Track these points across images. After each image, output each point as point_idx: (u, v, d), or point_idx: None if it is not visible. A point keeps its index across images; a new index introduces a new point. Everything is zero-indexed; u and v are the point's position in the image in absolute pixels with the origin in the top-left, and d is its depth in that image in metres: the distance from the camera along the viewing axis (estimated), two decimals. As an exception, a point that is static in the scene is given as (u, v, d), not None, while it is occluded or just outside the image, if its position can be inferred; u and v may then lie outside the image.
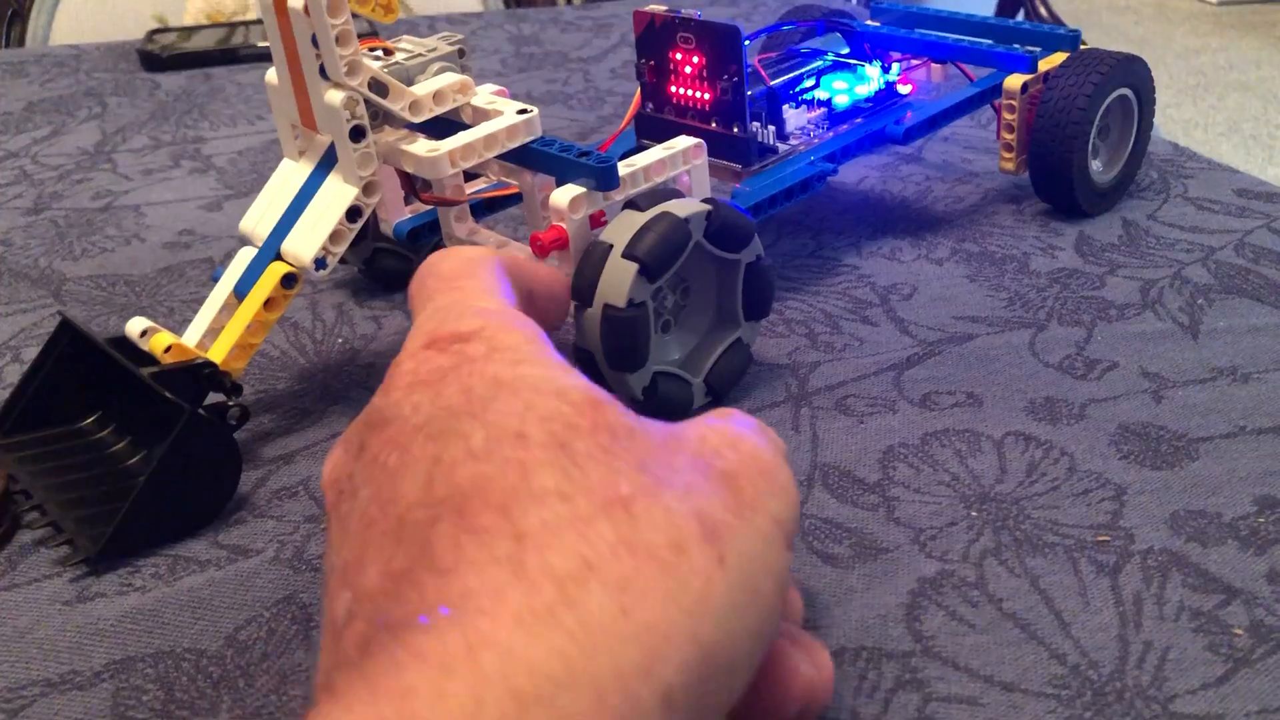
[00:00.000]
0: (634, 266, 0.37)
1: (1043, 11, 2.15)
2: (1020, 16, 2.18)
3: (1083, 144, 0.53)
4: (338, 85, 0.39)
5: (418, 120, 0.41)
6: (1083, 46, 0.56)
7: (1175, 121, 3.11)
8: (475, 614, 0.19)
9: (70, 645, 0.32)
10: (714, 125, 0.48)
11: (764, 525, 0.23)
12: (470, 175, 0.48)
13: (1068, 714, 0.28)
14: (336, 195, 0.40)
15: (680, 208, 0.38)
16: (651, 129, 0.51)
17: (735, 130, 0.48)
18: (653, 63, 0.50)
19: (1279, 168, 2.81)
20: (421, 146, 0.40)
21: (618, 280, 0.38)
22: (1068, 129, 0.52)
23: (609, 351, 0.38)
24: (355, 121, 0.39)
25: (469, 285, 0.29)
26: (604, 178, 0.40)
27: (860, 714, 0.28)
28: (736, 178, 0.49)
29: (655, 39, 0.49)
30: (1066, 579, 0.33)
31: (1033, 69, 0.54)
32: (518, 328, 0.26)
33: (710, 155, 0.48)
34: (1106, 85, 0.53)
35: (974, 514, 0.35)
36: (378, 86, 0.39)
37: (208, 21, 1.05)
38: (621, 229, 0.38)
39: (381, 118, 0.41)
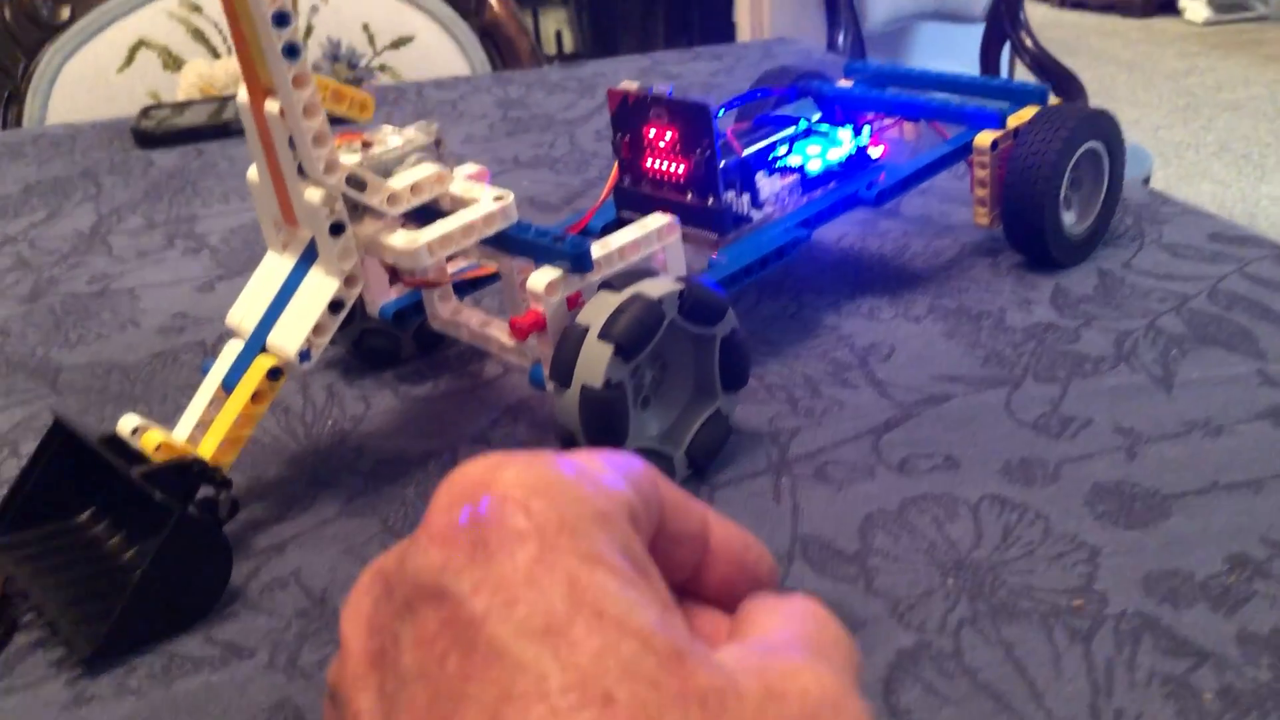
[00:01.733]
0: (610, 348, 0.38)
1: (1028, 43, 2.18)
2: (1006, 49, 2.21)
3: (1054, 198, 0.54)
4: (316, 183, 0.40)
5: (395, 212, 0.42)
6: (1051, 101, 0.57)
7: (1166, 143, 3.13)
8: None
9: (67, 749, 0.33)
10: (689, 197, 0.50)
11: None
12: (450, 256, 0.49)
13: (1041, 787, 0.29)
14: (319, 288, 0.41)
15: (654, 288, 0.39)
16: (630, 201, 0.52)
17: (710, 202, 0.49)
18: (628, 138, 0.51)
19: (1271, 185, 2.83)
20: (400, 238, 0.41)
21: (595, 362, 0.38)
22: (1038, 184, 0.53)
23: (589, 432, 0.39)
24: (334, 218, 0.40)
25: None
26: (578, 261, 0.41)
27: (838, 794, 0.29)
28: (713, 247, 0.50)
29: (630, 115, 0.50)
30: (1040, 647, 0.33)
31: (1002, 125, 0.55)
32: (589, 492, 0.22)
33: (687, 225, 0.49)
34: (1075, 140, 0.54)
35: (950, 582, 0.36)
36: (356, 182, 0.40)
37: (200, 95, 1.07)
38: (597, 311, 0.39)
39: (361, 209, 0.42)
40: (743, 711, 0.19)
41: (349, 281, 0.41)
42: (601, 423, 0.39)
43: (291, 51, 0.37)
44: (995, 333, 0.51)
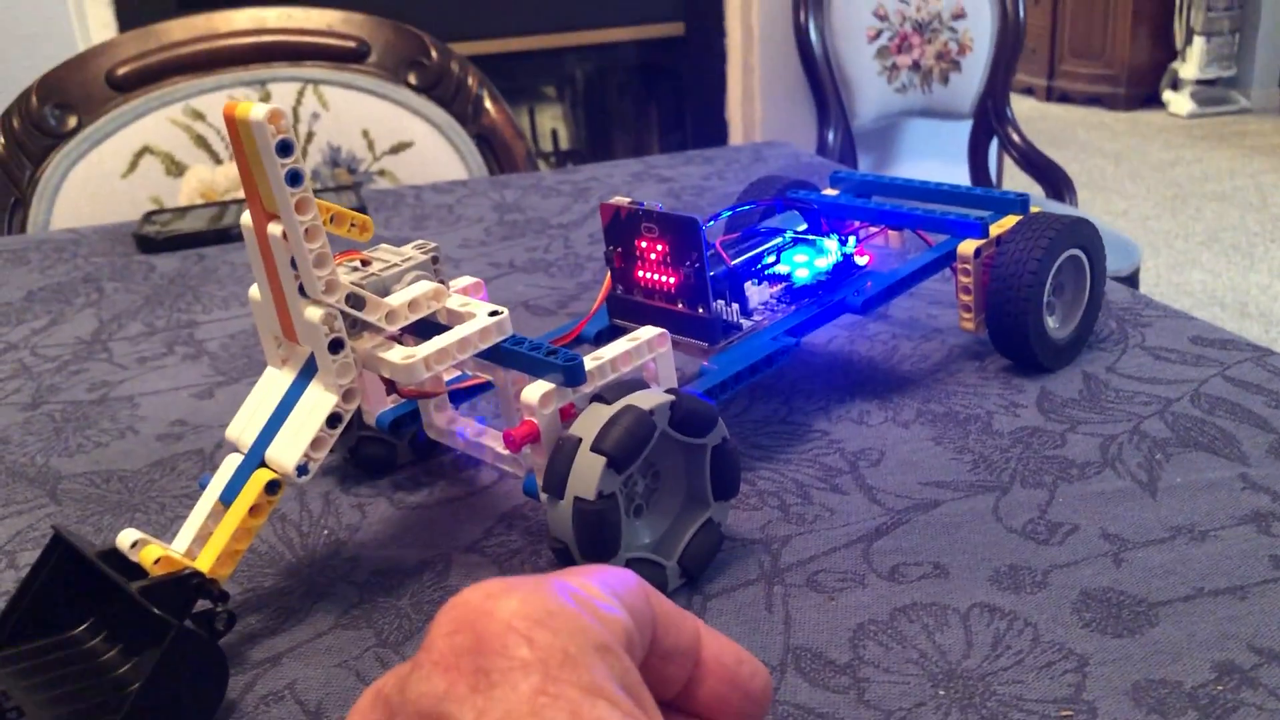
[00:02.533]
0: (602, 460, 0.39)
1: (1015, 138, 2.22)
2: (994, 145, 2.25)
3: (1037, 304, 0.55)
4: (316, 302, 0.41)
5: (393, 329, 0.43)
6: (1033, 209, 0.59)
7: (1156, 233, 3.18)
8: None
9: None
10: (680, 306, 0.51)
11: None
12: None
13: None
14: (317, 403, 0.42)
15: (645, 400, 0.40)
16: (623, 309, 0.53)
17: (700, 311, 0.50)
18: (620, 250, 0.52)
19: (1260, 274, 2.86)
20: (397, 354, 0.42)
21: (587, 474, 0.39)
22: (1021, 291, 0.54)
23: (581, 543, 0.40)
24: (333, 335, 0.41)
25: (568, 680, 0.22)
26: (571, 374, 0.42)
27: None
28: (704, 354, 0.51)
29: (621, 229, 0.52)
30: (1032, 759, 0.33)
31: (984, 234, 0.57)
32: (584, 620, 0.22)
33: (678, 334, 0.50)
34: (1056, 247, 0.55)
35: (941, 693, 0.36)
36: (355, 300, 0.42)
37: (201, 200, 1.09)
38: (589, 423, 0.40)
39: (360, 324, 0.43)
40: None
41: (347, 396, 0.42)
42: (594, 534, 0.40)
43: (294, 179, 0.39)
44: (982, 437, 0.52)
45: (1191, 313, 0.61)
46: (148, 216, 0.98)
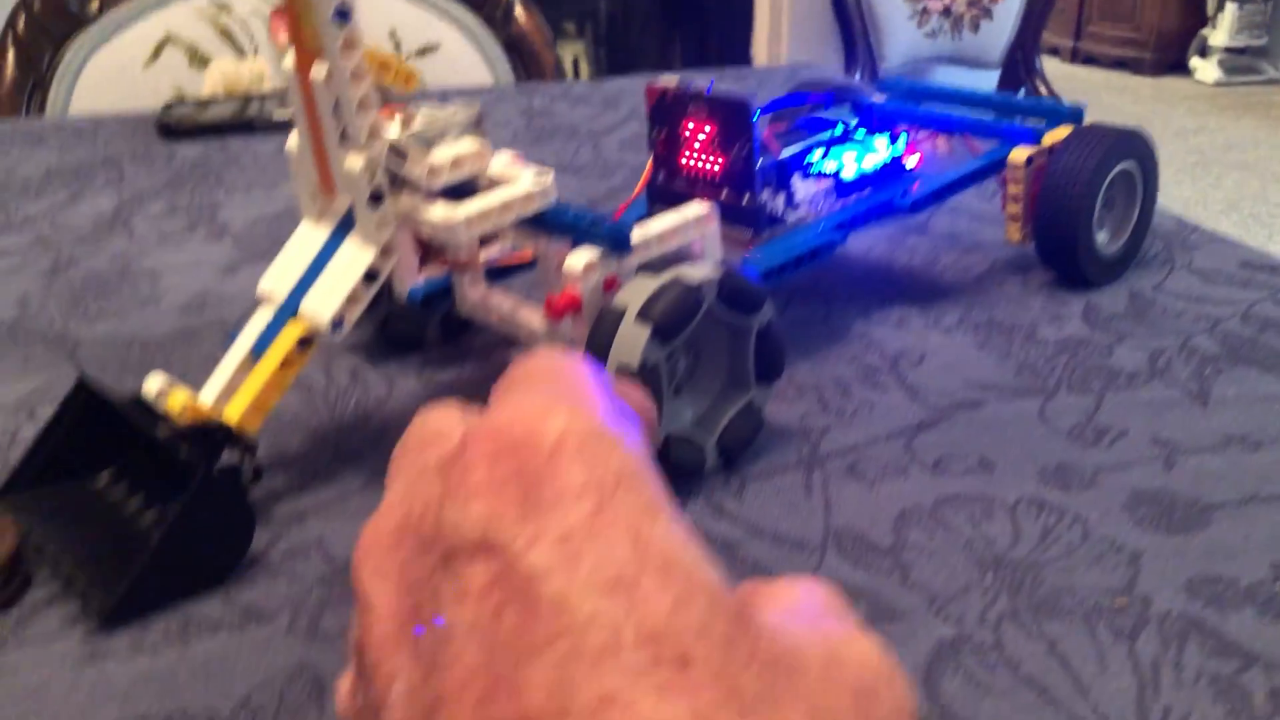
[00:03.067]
0: (647, 330, 0.38)
1: (1043, 91, 2.19)
2: (1021, 97, 2.22)
3: (1088, 217, 0.53)
4: (358, 151, 0.39)
5: (435, 186, 0.41)
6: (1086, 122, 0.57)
7: (1175, 200, 3.15)
8: None
9: (81, 704, 0.32)
10: (724, 194, 0.49)
11: None
12: (484, 240, 0.49)
13: (1088, 779, 0.28)
14: (354, 258, 0.41)
15: (693, 272, 0.39)
16: (663, 197, 0.52)
17: (745, 200, 0.49)
18: (664, 134, 0.51)
19: (1279, 246, 2.84)
20: (439, 212, 0.40)
21: (631, 344, 0.38)
22: (1072, 202, 0.53)
23: None
24: (374, 186, 0.40)
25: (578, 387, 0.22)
26: (617, 243, 0.40)
27: (878, 778, 0.28)
28: (745, 246, 0.49)
29: (667, 112, 0.50)
30: (1084, 643, 0.32)
31: (1037, 142, 0.55)
32: (628, 441, 0.21)
33: (721, 223, 0.48)
34: (1110, 159, 0.54)
35: (989, 577, 0.35)
36: (397, 152, 0.40)
37: (224, 94, 1.07)
38: (635, 293, 0.39)
39: (400, 183, 0.41)
40: (808, 677, 0.19)
41: (385, 252, 0.41)
42: None
43: (342, 14, 0.37)
44: (1027, 345, 0.50)
45: (1238, 243, 0.59)
46: (169, 106, 0.96)
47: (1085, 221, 0.53)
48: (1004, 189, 0.55)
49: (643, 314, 0.38)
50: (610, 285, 0.41)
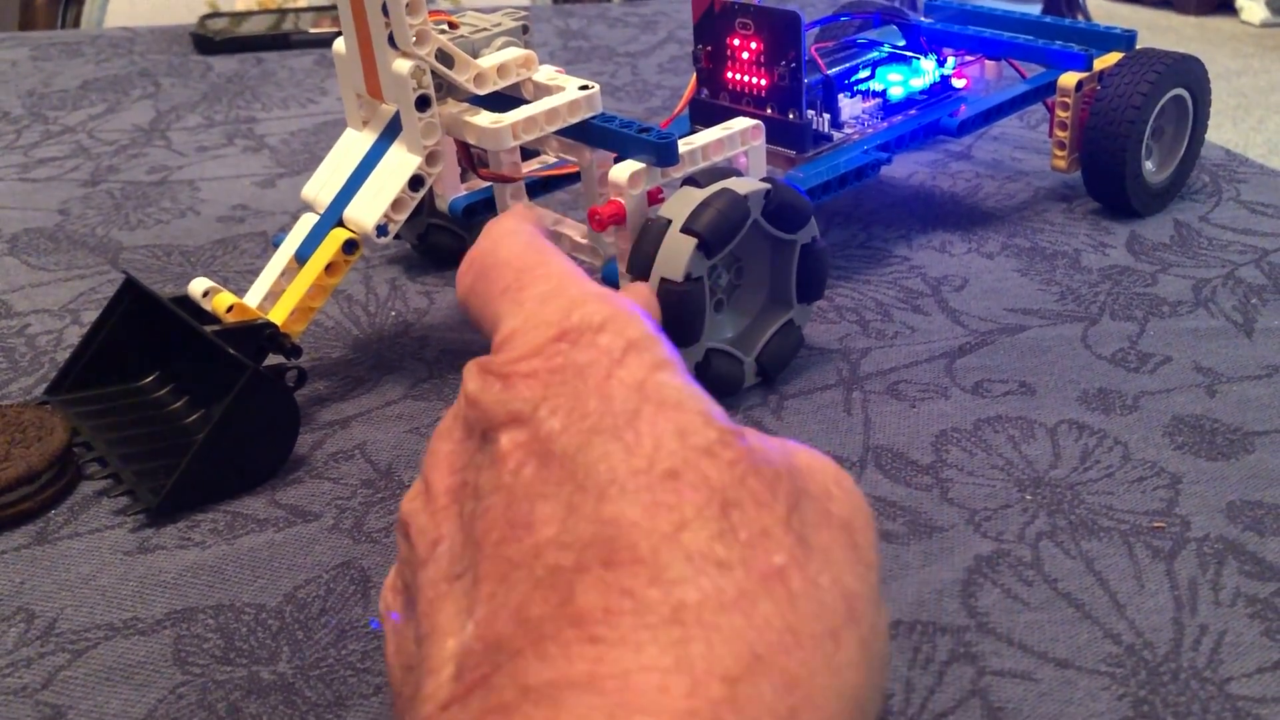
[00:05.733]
0: (692, 241, 0.38)
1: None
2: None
3: (1136, 143, 0.52)
4: (405, 54, 0.39)
5: (482, 92, 0.41)
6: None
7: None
8: (638, 710, 0.17)
9: (132, 593, 0.32)
10: (770, 111, 0.49)
11: (877, 584, 0.22)
12: (526, 155, 0.49)
13: (1122, 692, 0.28)
14: (400, 164, 0.41)
15: (739, 185, 0.39)
16: (707, 115, 0.51)
17: (791, 116, 0.48)
18: (710, 48, 0.50)
19: (1320, 190, 2.78)
20: (485, 119, 0.40)
21: (676, 255, 0.38)
22: (1122, 128, 0.52)
23: (665, 326, 0.38)
24: (421, 91, 0.39)
25: (558, 269, 0.24)
26: (664, 154, 0.40)
27: (915, 685, 0.29)
28: (790, 164, 0.49)
29: (713, 25, 0.49)
30: (1121, 562, 0.33)
31: (1088, 67, 0.54)
32: (645, 320, 0.23)
33: (766, 140, 0.48)
34: (1162, 85, 0.53)
35: (1028, 497, 0.35)
36: (444, 57, 0.40)
37: (259, 8, 1.06)
38: (681, 204, 0.38)
39: (445, 89, 0.41)
40: (790, 480, 0.21)
41: (430, 159, 0.41)
42: (678, 317, 0.38)
43: (392, -86, 0.37)
44: (1070, 272, 0.50)
45: None
46: (204, 19, 0.96)
47: (1134, 149, 0.53)
48: (1052, 115, 0.54)
49: (688, 226, 0.38)
50: (654, 197, 0.41)
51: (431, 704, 0.19)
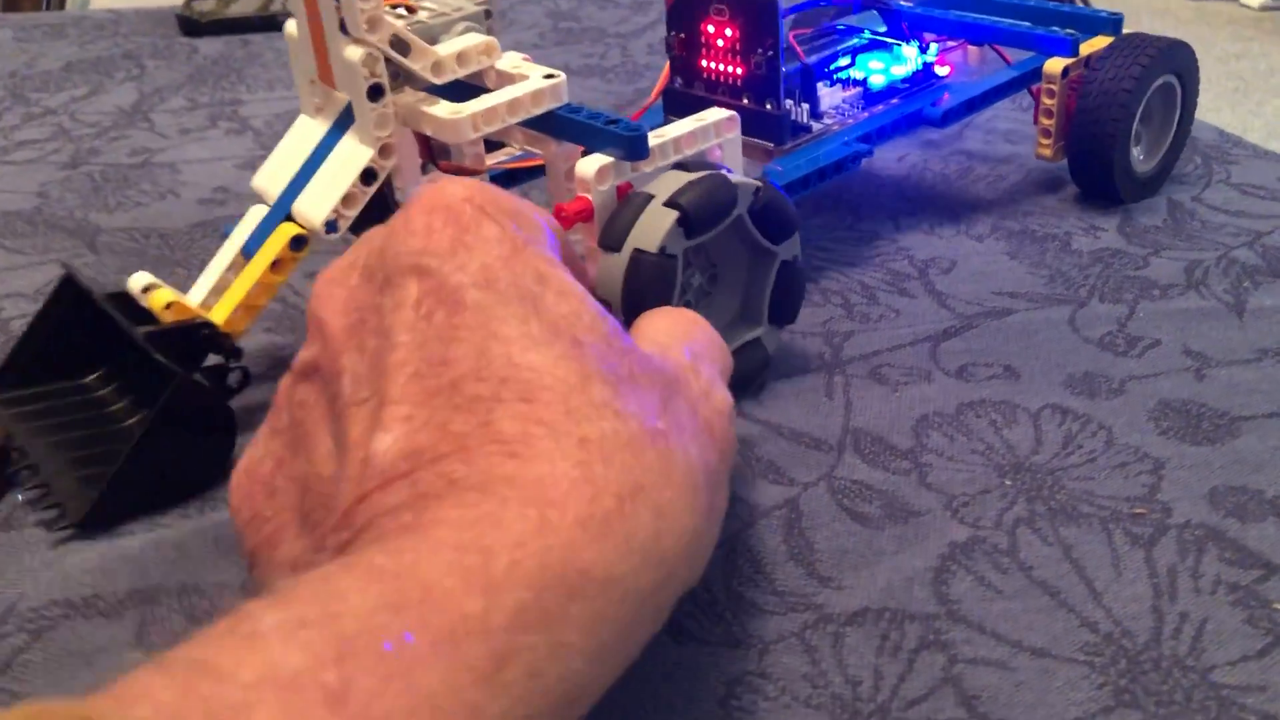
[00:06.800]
0: (674, 214, 0.36)
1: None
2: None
3: (1125, 131, 0.51)
4: (357, 41, 0.38)
5: (440, 81, 0.39)
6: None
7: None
8: (549, 504, 0.21)
9: (94, 570, 0.32)
10: (746, 101, 0.47)
11: (726, 473, 0.27)
12: (491, 146, 0.47)
13: (1101, 681, 0.27)
14: (351, 156, 0.39)
15: (732, 176, 0.38)
16: (680, 104, 0.49)
17: (768, 107, 0.47)
18: (683, 35, 0.48)
19: (1322, 176, 2.77)
20: (443, 109, 0.38)
21: (654, 226, 0.36)
22: (1111, 113, 0.51)
23: (630, 298, 0.36)
24: (374, 80, 0.38)
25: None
26: (633, 147, 0.38)
27: (884, 672, 0.28)
28: (768, 156, 0.47)
29: (687, 11, 0.48)
30: (1100, 549, 0.32)
31: (1074, 52, 0.53)
32: (548, 230, 0.27)
33: (741, 132, 0.46)
34: (1152, 71, 0.51)
35: (1008, 483, 0.35)
36: (399, 44, 0.38)
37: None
38: (666, 182, 0.37)
39: (402, 78, 0.39)
40: (665, 380, 0.25)
41: (384, 151, 0.39)
42: (647, 288, 0.36)
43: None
44: (1060, 255, 0.49)
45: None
46: (190, 1, 0.95)
47: (1123, 137, 0.51)
48: (1037, 102, 0.53)
49: (672, 200, 0.36)
50: (624, 193, 0.39)
51: (349, 499, 0.22)
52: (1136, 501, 0.34)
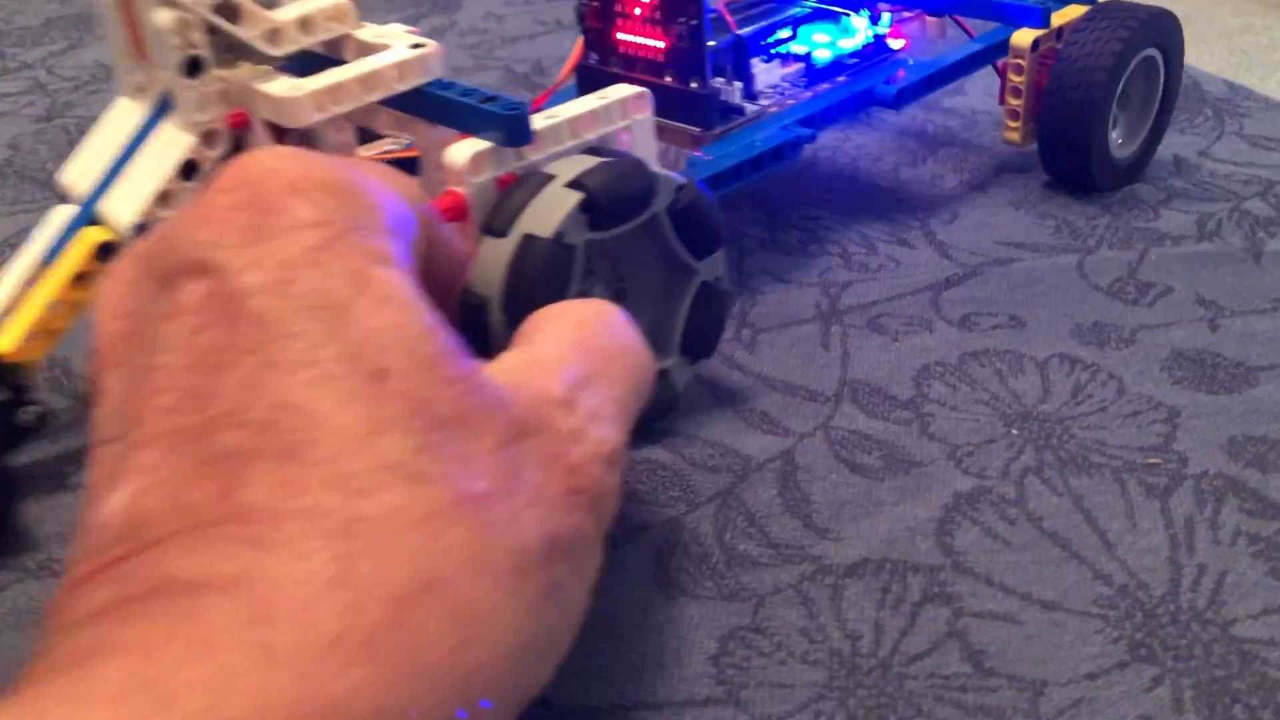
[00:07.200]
0: (577, 196, 0.29)
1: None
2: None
3: (1104, 113, 0.45)
4: (169, 4, 0.31)
5: (278, 52, 0.33)
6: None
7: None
8: (278, 624, 0.15)
9: (50, 533, 0.30)
10: (668, 79, 0.41)
11: (598, 542, 0.21)
12: (368, 135, 0.39)
13: (1116, 634, 0.26)
14: (168, 145, 0.33)
15: (651, 165, 0.31)
16: (595, 82, 0.41)
17: (694, 86, 0.40)
18: (597, 4, 0.42)
19: (1324, 149, 2.75)
20: (279, 85, 0.32)
21: (552, 207, 0.29)
22: (1089, 92, 0.44)
23: (514, 294, 0.28)
24: (190, 51, 0.31)
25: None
26: (513, 129, 0.31)
27: (885, 626, 0.26)
28: (694, 143, 0.41)
29: None
30: (1113, 500, 0.30)
31: (1045, 23, 0.46)
32: (388, 206, 0.21)
33: (663, 116, 0.39)
34: (1133, 45, 0.45)
35: (1014, 432, 0.33)
36: (226, 8, 0.31)
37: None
38: (571, 163, 0.31)
39: (239, 49, 0.33)
40: (512, 416, 0.19)
41: (208, 139, 0.33)
42: (536, 285, 0.28)
43: None
44: (1066, 204, 0.47)
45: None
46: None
47: (1100, 119, 0.45)
48: (1003, 79, 0.47)
49: (578, 181, 0.29)
50: (505, 186, 0.31)
51: (68, 578, 0.17)
52: (1150, 451, 0.32)
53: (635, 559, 0.29)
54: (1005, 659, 0.25)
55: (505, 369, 0.21)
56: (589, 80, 0.43)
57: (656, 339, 0.32)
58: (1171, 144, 0.53)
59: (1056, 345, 0.37)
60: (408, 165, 0.38)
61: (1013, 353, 0.37)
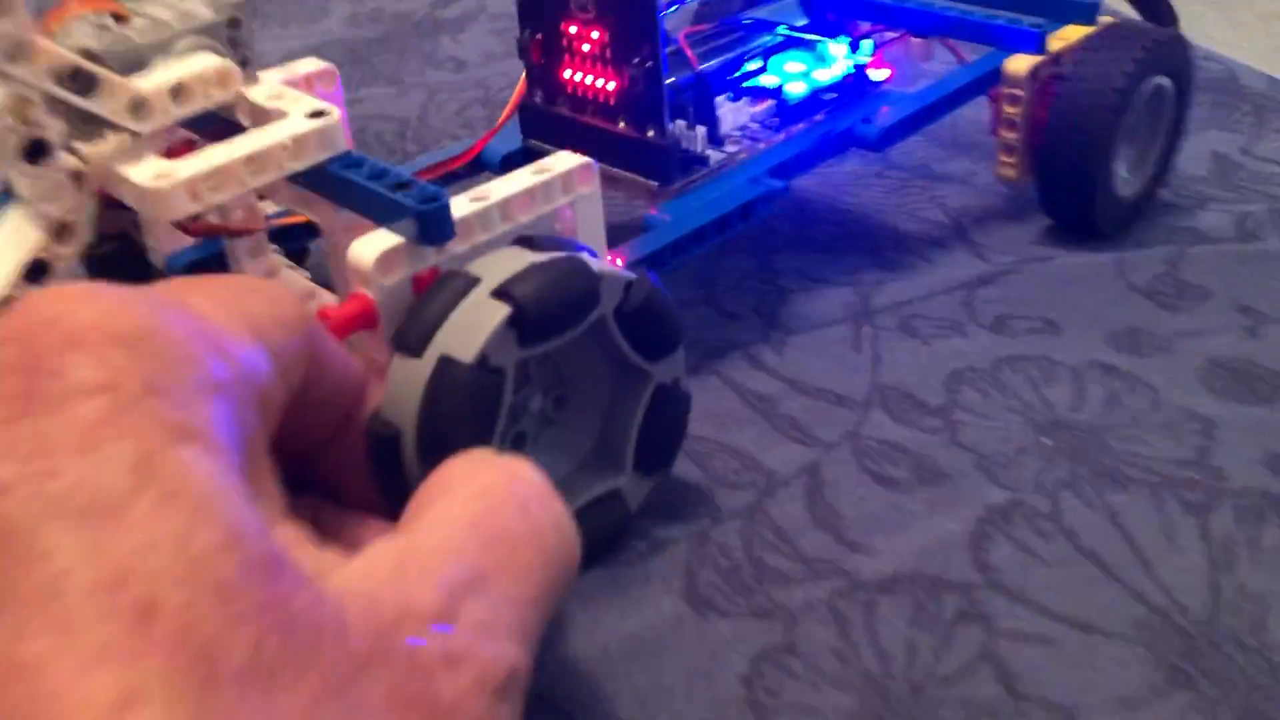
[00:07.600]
0: (504, 310, 0.25)
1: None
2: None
3: (1107, 149, 0.41)
4: (1, 77, 0.25)
5: (147, 129, 0.27)
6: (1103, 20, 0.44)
7: (1262, 73, 3.01)
8: None
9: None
10: (621, 125, 0.37)
11: None
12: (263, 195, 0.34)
13: (1154, 659, 0.25)
14: (10, 242, 0.27)
15: (592, 261, 0.27)
16: (540, 125, 0.39)
17: (650, 134, 0.36)
18: (540, 36, 0.38)
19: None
20: (147, 170, 0.26)
21: (474, 322, 0.25)
22: (1095, 123, 0.40)
23: (429, 429, 0.24)
24: (30, 133, 0.25)
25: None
26: (428, 225, 0.26)
27: (918, 645, 0.26)
28: (651, 198, 0.37)
29: (542, 5, 0.37)
30: (1149, 516, 0.30)
31: (1040, 48, 0.42)
32: (212, 354, 0.17)
33: (616, 166, 0.37)
34: (1143, 72, 0.41)
35: (1048, 442, 0.32)
36: (81, 78, 0.26)
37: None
38: (500, 263, 0.26)
39: (98, 121, 0.27)
40: (346, 652, 0.15)
41: (61, 234, 0.27)
42: (456, 419, 0.25)
43: None
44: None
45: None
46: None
47: (1105, 155, 0.41)
48: (996, 109, 0.42)
49: (504, 290, 0.25)
50: (424, 285, 0.27)
51: None
52: (1187, 464, 0.31)
53: (661, 570, 0.29)
54: (1039, 683, 0.25)
55: (365, 572, 0.17)
56: (532, 122, 0.40)
57: (605, 453, 0.29)
58: (1209, 140, 0.52)
59: (1091, 351, 0.37)
60: (311, 231, 0.36)
61: (1046, 358, 0.36)
